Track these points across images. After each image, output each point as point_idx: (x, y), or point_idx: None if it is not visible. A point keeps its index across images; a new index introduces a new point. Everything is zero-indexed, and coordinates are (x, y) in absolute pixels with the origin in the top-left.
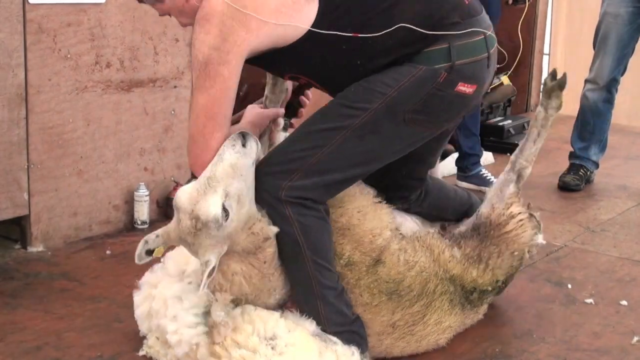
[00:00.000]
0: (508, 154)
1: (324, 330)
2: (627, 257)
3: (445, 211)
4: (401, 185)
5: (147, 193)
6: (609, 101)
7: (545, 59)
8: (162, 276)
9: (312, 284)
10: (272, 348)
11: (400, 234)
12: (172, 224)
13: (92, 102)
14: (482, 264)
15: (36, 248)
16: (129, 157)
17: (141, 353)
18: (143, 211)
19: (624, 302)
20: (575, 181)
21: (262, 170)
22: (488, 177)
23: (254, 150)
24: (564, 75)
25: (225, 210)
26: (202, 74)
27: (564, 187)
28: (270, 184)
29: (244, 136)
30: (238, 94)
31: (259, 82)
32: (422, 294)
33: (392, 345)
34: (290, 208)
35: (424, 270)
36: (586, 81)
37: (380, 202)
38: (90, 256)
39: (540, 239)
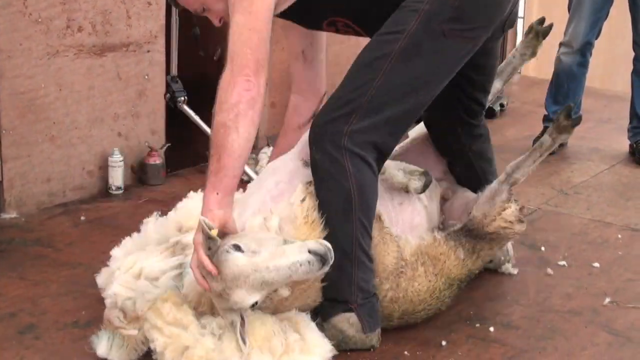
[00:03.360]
0: None
1: (347, 300)
2: (600, 220)
3: (485, 166)
4: (455, 106)
5: (121, 158)
6: (583, 65)
7: (520, 22)
8: (133, 247)
9: (352, 247)
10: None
11: (403, 260)
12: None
13: (64, 67)
14: (475, 255)
15: (9, 214)
16: (102, 123)
17: None
18: (117, 177)
19: (596, 264)
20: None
21: (321, 120)
22: None
23: (324, 272)
24: (579, 117)
25: (255, 304)
26: None
27: None
28: (332, 131)
29: (324, 261)
30: (212, 56)
31: None
32: (407, 314)
33: None
34: (349, 159)
35: (413, 299)
36: (560, 44)
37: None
38: (65, 222)
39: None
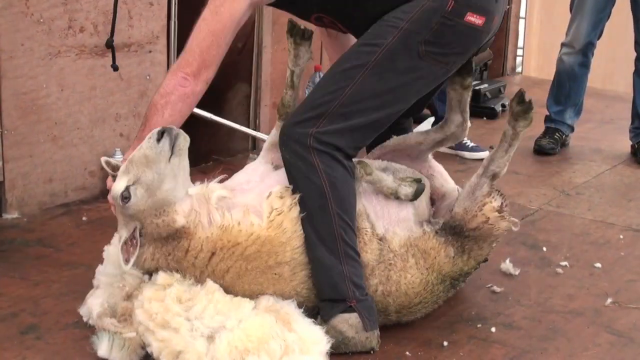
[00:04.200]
0: (484, 118)
1: (345, 297)
2: (602, 220)
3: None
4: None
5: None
6: (585, 65)
7: (522, 22)
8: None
9: (336, 243)
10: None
11: (391, 252)
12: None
13: (66, 67)
14: (465, 255)
15: (11, 215)
16: (104, 123)
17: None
18: None
19: (598, 265)
20: (550, 145)
21: (291, 120)
22: (464, 142)
23: (166, 148)
24: (530, 101)
25: (127, 192)
26: None
27: (540, 151)
28: (299, 132)
29: (162, 133)
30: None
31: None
32: (404, 308)
33: None
34: (318, 157)
35: (408, 291)
36: (562, 45)
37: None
38: (66, 222)
39: None
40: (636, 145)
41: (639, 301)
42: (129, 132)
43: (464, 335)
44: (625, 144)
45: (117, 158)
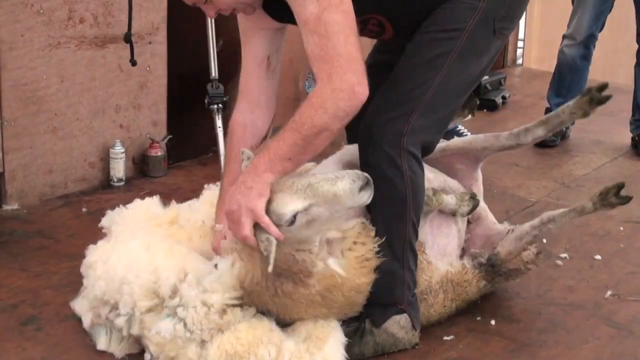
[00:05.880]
0: (485, 110)
1: (399, 301)
2: (601, 212)
3: None
4: None
5: (122, 150)
6: (586, 57)
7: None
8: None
9: (404, 249)
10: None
11: (428, 288)
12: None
13: (66, 59)
14: (490, 284)
15: (11, 206)
16: (104, 114)
17: None
18: (119, 168)
19: (598, 257)
20: (550, 137)
21: (379, 118)
22: (465, 134)
23: (363, 200)
24: (628, 198)
25: (294, 218)
26: None
27: (540, 143)
28: (391, 131)
29: (367, 182)
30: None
31: (234, 39)
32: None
33: None
34: (406, 162)
35: (422, 322)
36: (564, 37)
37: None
38: (66, 214)
39: None
40: (637, 138)
41: (638, 293)
42: (128, 123)
43: (464, 327)
44: (625, 136)
45: (117, 149)
